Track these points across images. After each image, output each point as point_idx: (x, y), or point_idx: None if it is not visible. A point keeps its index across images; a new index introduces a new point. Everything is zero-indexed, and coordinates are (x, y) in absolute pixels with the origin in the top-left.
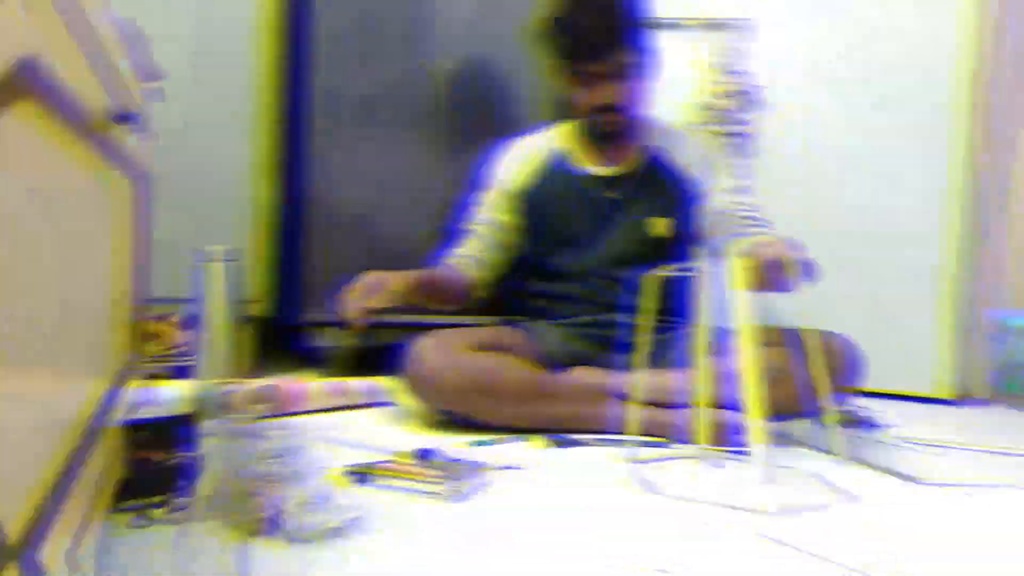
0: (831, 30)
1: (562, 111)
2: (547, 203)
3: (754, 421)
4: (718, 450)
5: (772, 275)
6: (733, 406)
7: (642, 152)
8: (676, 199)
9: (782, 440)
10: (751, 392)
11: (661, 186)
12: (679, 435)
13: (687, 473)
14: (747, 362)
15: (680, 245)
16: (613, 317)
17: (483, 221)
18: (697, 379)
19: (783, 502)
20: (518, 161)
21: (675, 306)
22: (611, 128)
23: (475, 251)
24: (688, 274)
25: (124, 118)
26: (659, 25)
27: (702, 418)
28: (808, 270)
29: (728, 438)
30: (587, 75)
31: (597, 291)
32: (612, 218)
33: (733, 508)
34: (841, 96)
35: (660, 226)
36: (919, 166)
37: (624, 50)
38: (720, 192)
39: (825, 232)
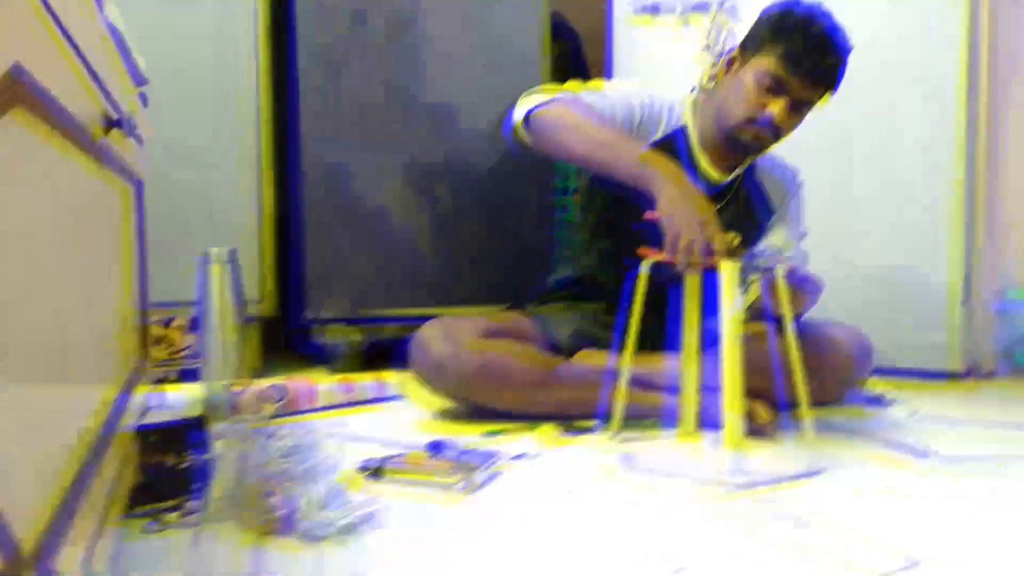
0: None
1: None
2: None
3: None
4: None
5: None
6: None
7: (745, 169)
8: (750, 220)
9: (799, 425)
10: (731, 382)
11: (745, 204)
12: (708, 420)
13: (696, 457)
14: (730, 352)
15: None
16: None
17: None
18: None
19: (796, 483)
20: (650, 114)
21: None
22: (751, 142)
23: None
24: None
25: (118, 123)
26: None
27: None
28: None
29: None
30: (784, 87)
31: (623, 280)
32: None
33: (745, 492)
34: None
35: (729, 239)
36: (923, 146)
37: (826, 93)
38: (781, 232)
39: (839, 211)
